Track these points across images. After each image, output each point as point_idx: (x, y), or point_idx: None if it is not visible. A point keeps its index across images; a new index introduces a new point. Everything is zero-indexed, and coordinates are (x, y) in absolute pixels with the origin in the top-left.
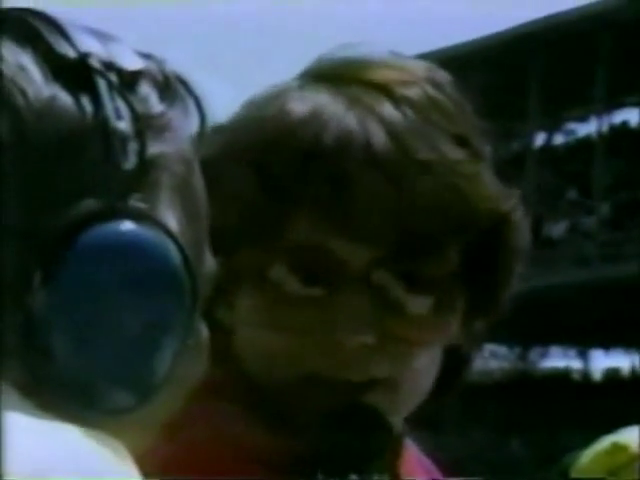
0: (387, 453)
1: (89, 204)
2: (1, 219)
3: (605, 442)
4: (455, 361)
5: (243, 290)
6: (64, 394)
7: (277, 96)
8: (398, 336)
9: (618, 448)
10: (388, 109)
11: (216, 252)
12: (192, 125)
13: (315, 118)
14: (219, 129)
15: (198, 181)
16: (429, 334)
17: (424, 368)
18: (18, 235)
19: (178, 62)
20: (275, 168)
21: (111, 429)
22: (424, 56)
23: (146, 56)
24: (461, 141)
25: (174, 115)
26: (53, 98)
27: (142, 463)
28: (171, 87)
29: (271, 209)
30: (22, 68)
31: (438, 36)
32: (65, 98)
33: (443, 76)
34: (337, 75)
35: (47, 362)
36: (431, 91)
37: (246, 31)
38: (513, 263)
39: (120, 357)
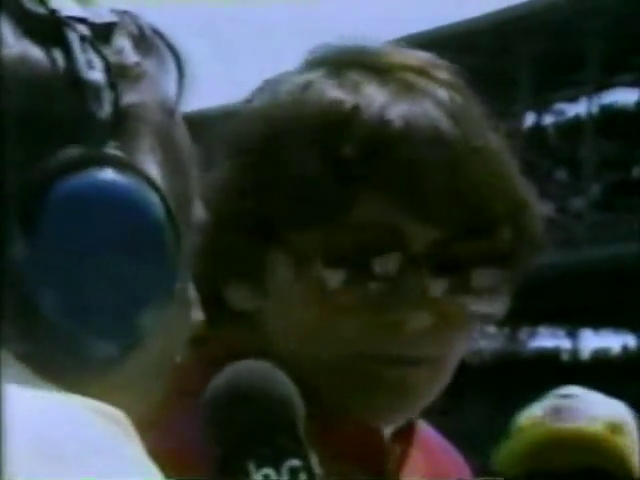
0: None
1: (65, 153)
2: None
3: (531, 413)
4: None
5: (294, 272)
6: (50, 345)
7: (312, 85)
8: (456, 315)
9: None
10: (441, 92)
11: (272, 231)
12: (171, 77)
13: (374, 102)
14: (244, 112)
15: (181, 132)
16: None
17: (460, 351)
18: None
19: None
20: (341, 150)
21: (103, 388)
22: (414, 37)
23: (121, 12)
24: (493, 129)
25: (150, 65)
26: (24, 53)
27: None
28: (147, 39)
29: (337, 190)
30: None
31: (428, 17)
32: (36, 52)
33: (442, 63)
34: (364, 62)
35: (31, 314)
36: (450, 75)
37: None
38: (533, 250)
39: (103, 308)
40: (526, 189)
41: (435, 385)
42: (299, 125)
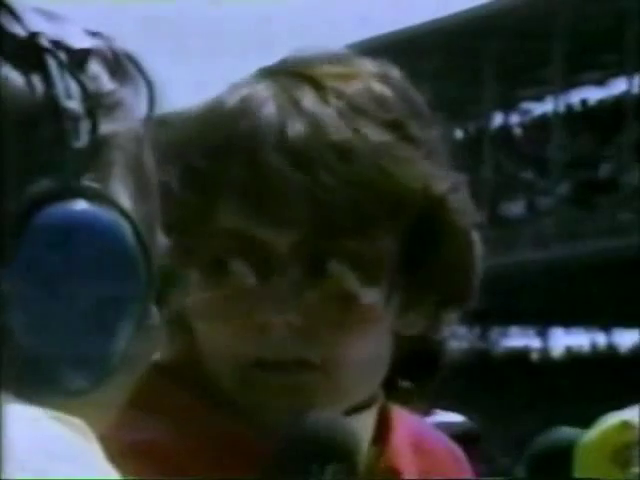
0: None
1: (42, 184)
2: None
3: (612, 419)
4: (429, 348)
5: (195, 282)
6: (24, 377)
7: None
8: (335, 321)
9: (627, 426)
10: (311, 98)
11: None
12: (143, 103)
13: (236, 108)
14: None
15: (149, 160)
16: (366, 319)
17: (365, 355)
18: None
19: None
20: (195, 160)
21: (69, 410)
22: (375, 39)
23: (95, 34)
24: (394, 126)
25: (125, 93)
26: (4, 78)
27: (105, 446)
28: (121, 65)
29: (194, 201)
30: None
31: (391, 19)
32: (16, 78)
33: (394, 72)
34: (281, 70)
35: (6, 344)
36: (374, 85)
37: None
38: (458, 244)
39: (76, 338)
40: (435, 181)
41: (330, 390)
42: (175, 136)
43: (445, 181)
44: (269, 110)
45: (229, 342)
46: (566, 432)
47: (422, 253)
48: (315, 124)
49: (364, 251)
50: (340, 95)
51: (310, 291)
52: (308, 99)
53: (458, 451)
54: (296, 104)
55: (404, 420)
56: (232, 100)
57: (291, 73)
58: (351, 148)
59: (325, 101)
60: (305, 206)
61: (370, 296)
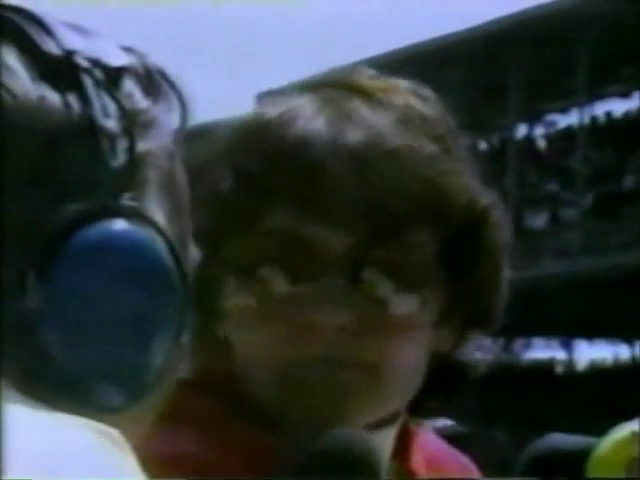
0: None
1: (81, 204)
2: None
3: (623, 431)
4: (453, 366)
5: (232, 289)
6: (60, 393)
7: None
8: (377, 325)
9: (636, 438)
10: (362, 107)
11: (211, 251)
12: (175, 119)
13: (286, 116)
14: (208, 135)
15: (181, 175)
16: (404, 327)
17: (408, 363)
18: (10, 237)
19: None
20: (248, 164)
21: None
22: (405, 50)
23: (128, 50)
24: (438, 140)
25: (158, 110)
26: (41, 98)
27: (138, 456)
28: (154, 82)
29: (246, 203)
30: (9, 68)
31: (419, 30)
32: (53, 97)
33: (427, 92)
34: (323, 83)
35: (43, 362)
36: (413, 100)
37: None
38: (494, 260)
39: (113, 356)
40: (478, 195)
41: (375, 392)
42: (224, 143)
43: (487, 195)
44: (321, 119)
45: (270, 345)
46: (557, 439)
47: (460, 266)
48: (372, 132)
49: (405, 260)
50: (389, 107)
51: (356, 294)
52: (363, 109)
53: (471, 467)
54: (350, 113)
55: (417, 435)
56: (274, 112)
57: (337, 85)
58: (403, 158)
59: (378, 111)
60: (356, 208)
61: (407, 304)
